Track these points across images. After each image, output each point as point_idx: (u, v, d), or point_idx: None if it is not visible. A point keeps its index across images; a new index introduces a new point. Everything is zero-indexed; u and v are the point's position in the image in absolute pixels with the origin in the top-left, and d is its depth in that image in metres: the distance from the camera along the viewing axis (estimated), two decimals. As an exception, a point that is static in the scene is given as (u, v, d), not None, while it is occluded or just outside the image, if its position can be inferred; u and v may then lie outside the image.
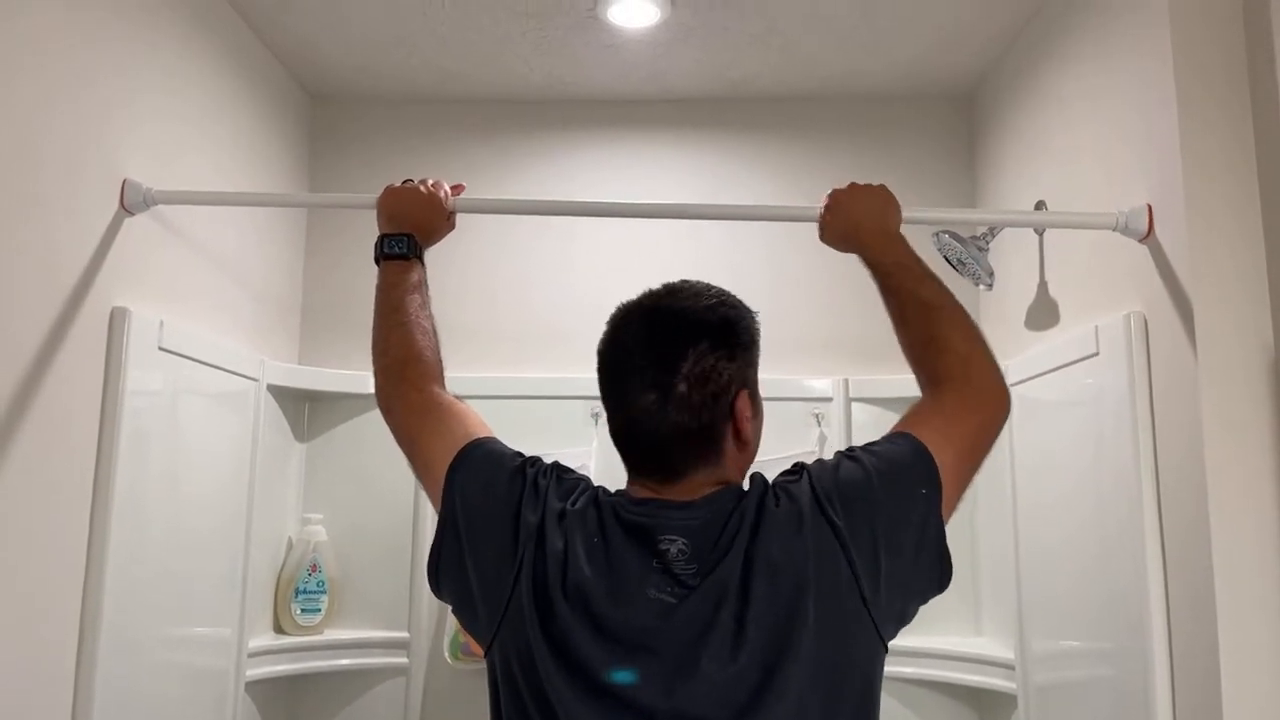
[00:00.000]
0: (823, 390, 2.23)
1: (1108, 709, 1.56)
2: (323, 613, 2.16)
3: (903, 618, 1.02)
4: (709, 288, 1.11)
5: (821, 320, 2.31)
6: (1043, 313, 1.88)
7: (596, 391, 2.19)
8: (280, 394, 2.14)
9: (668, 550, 0.97)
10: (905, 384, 2.17)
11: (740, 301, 1.13)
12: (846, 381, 2.23)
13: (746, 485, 1.06)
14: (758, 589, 0.94)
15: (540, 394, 2.25)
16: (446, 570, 1.06)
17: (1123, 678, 1.51)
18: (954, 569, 1.06)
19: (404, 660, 2.17)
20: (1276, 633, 1.30)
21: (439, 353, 1.27)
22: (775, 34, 2.09)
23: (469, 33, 2.10)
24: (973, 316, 2.42)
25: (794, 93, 2.38)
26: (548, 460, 1.11)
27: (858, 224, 1.33)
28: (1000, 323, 2.15)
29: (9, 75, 1.33)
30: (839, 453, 1.09)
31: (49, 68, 1.41)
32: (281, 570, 2.16)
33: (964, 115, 2.38)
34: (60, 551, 1.43)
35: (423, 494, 2.21)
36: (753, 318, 1.13)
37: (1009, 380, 1.94)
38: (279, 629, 2.14)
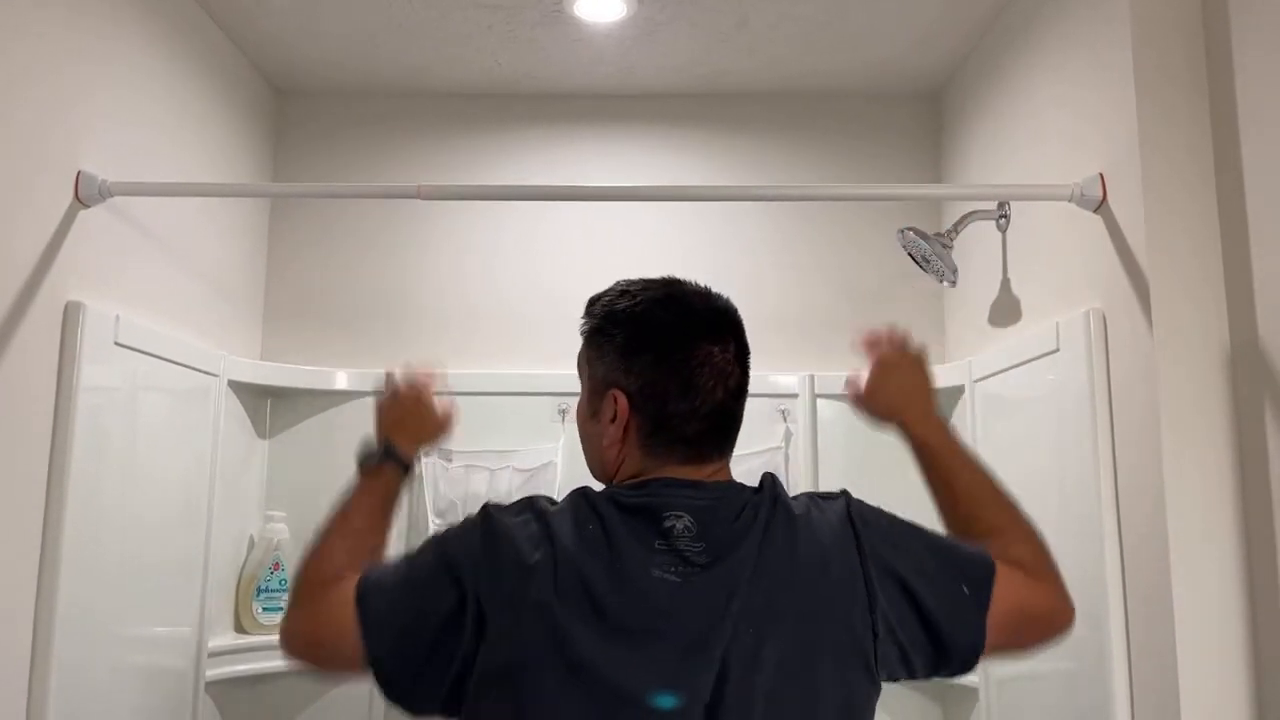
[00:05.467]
0: (788, 386, 2.24)
1: (1067, 700, 1.58)
2: (285, 612, 2.13)
3: (896, 671, 0.99)
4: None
5: (787, 315, 2.32)
6: (1005, 309, 1.90)
7: (564, 388, 2.21)
8: (241, 390, 2.11)
9: (673, 526, 0.94)
10: (870, 380, 2.21)
11: None
12: (812, 377, 2.24)
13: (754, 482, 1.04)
14: (769, 590, 0.92)
15: (506, 390, 2.24)
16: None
17: (1082, 669, 1.53)
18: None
19: (368, 659, 2.15)
20: (1232, 623, 1.33)
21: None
22: (744, 30, 2.09)
23: (435, 26, 2.08)
24: (937, 314, 2.46)
25: (762, 89, 2.38)
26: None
27: (904, 407, 1.26)
28: (964, 319, 2.17)
29: (-42, 63, 1.30)
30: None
31: (1, 56, 1.38)
32: (243, 569, 2.13)
33: (931, 113, 2.40)
34: (13, 552, 1.40)
35: (387, 491, 2.20)
36: None
37: (973, 376, 1.97)
38: (240, 628, 2.11)
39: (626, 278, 1.08)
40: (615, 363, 1.02)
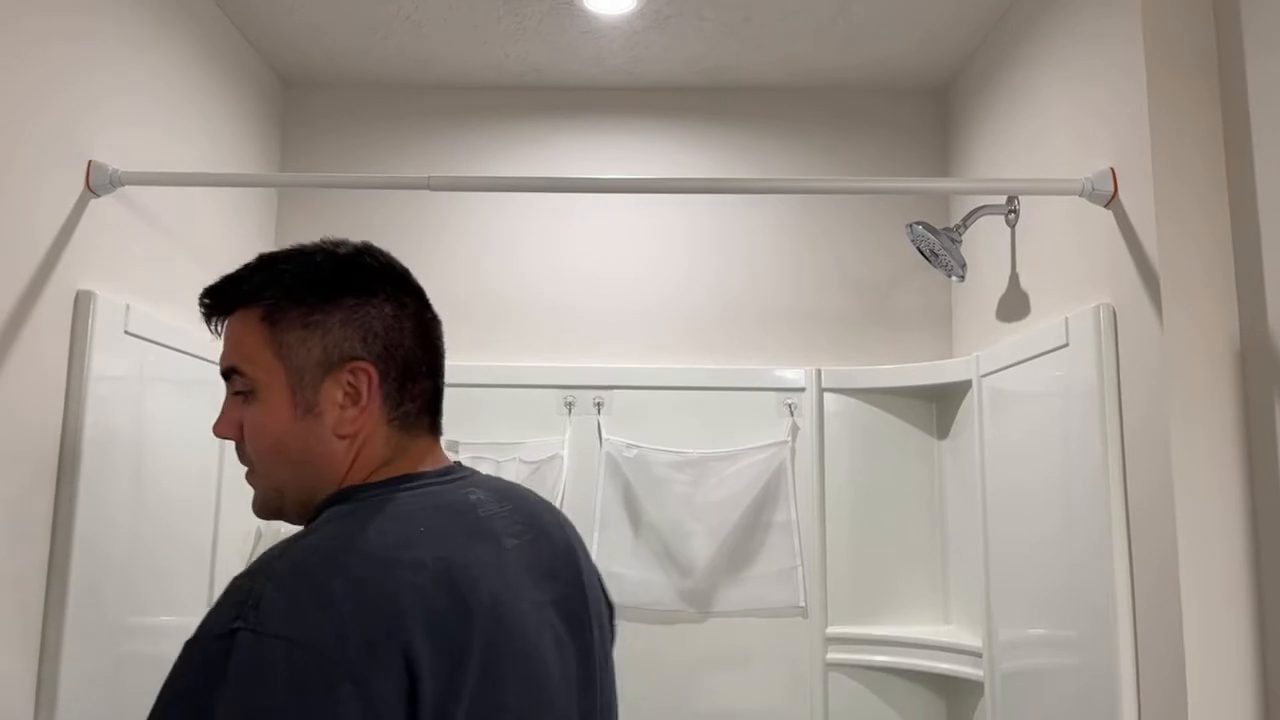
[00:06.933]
0: (795, 380, 2.24)
1: (1073, 695, 1.58)
2: (292, 602, 2.14)
3: None
4: None
5: (794, 310, 2.32)
6: (1014, 304, 1.90)
7: (569, 380, 2.23)
8: (249, 381, 2.11)
9: (479, 499, 0.84)
10: (879, 374, 2.22)
11: None
12: (819, 371, 2.24)
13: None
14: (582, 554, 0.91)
15: (513, 382, 2.25)
16: None
17: (1088, 665, 1.53)
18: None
19: (374, 649, 2.16)
20: (1239, 620, 1.33)
21: None
22: (750, 24, 2.09)
23: (444, 18, 2.08)
24: (945, 308, 2.45)
25: (768, 83, 2.38)
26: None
27: None
28: (972, 314, 2.17)
29: (-30, 51, 1.30)
30: None
31: (11, 47, 1.38)
32: (250, 558, 2.14)
33: (939, 108, 2.40)
34: (23, 541, 1.40)
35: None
36: None
37: (981, 371, 1.97)
38: (247, 618, 2.11)
39: (269, 251, 0.87)
40: (343, 330, 0.82)
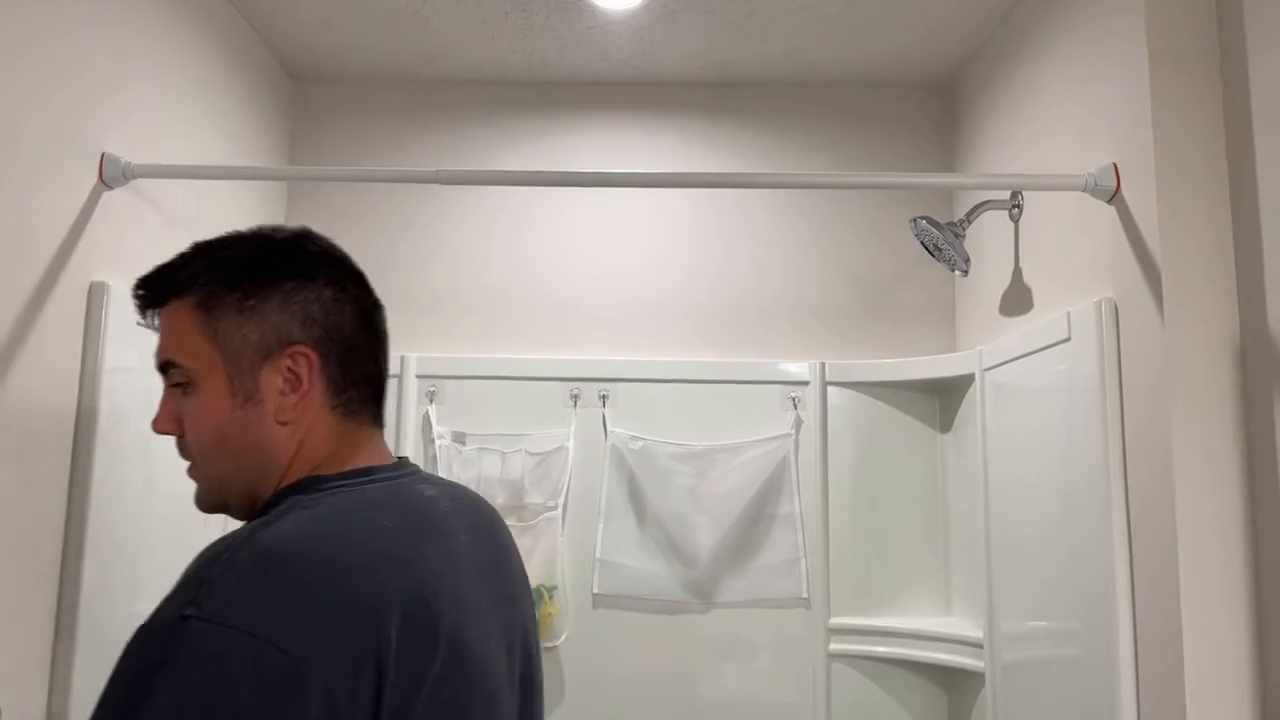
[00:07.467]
0: (799, 374, 2.25)
1: (1073, 687, 1.60)
2: (300, 591, 2.16)
3: None
4: None
5: (798, 303, 2.33)
6: (1017, 299, 1.91)
7: (574, 373, 2.24)
8: (258, 372, 2.13)
9: (433, 495, 0.83)
10: (883, 368, 2.23)
11: None
12: (823, 365, 2.26)
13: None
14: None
15: (520, 374, 2.26)
16: None
17: (1088, 657, 1.54)
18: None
19: (381, 638, 2.18)
20: (1238, 612, 1.34)
21: None
22: (755, 19, 2.10)
23: (451, 13, 2.09)
24: (949, 302, 2.46)
25: (775, 78, 2.39)
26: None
27: None
28: (975, 308, 2.18)
29: (-14, 46, 1.32)
30: None
31: (26, 40, 1.40)
32: (259, 548, 2.16)
33: (943, 103, 2.41)
34: (38, 529, 1.42)
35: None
36: None
37: (984, 365, 1.99)
38: (256, 607, 2.13)
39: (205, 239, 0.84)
40: (281, 315, 0.79)
